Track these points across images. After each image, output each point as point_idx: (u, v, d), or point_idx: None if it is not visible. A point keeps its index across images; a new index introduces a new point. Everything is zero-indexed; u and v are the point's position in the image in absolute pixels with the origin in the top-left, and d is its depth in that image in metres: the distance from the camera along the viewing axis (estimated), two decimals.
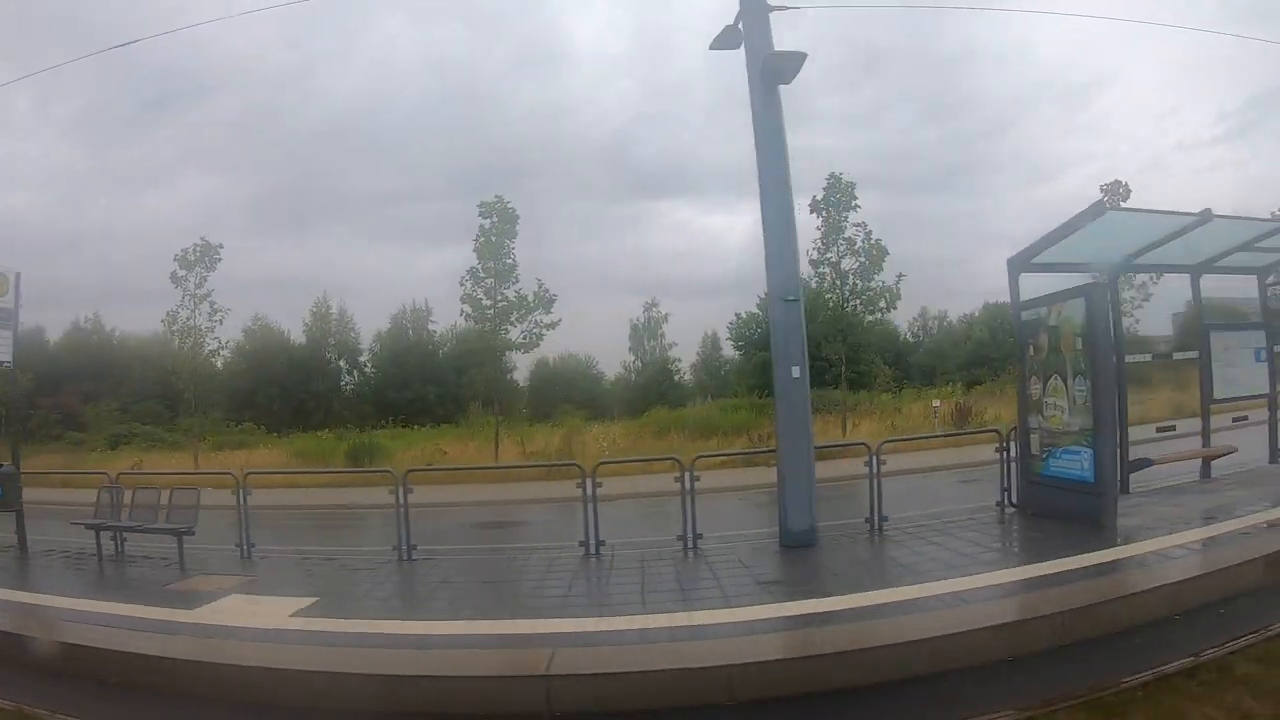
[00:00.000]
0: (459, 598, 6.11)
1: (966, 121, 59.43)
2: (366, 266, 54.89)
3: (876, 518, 7.49)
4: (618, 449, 19.80)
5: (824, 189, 21.50)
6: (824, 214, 21.48)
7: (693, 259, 60.88)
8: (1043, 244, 7.56)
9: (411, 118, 60.05)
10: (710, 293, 61.91)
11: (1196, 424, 8.84)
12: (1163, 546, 5.85)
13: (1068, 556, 5.76)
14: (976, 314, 41.52)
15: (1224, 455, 8.63)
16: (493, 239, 20.25)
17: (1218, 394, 8.71)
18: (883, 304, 22.06)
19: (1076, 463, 7.04)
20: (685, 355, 44.65)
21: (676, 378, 42.28)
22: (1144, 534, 6.25)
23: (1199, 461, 8.69)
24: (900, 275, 22.08)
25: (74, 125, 51.73)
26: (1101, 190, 23.04)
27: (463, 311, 20.84)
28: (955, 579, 5.49)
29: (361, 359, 44.39)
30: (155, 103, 51.59)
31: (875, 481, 7.51)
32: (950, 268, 58.84)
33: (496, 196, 20.58)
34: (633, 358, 44.10)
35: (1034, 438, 7.73)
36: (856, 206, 21.63)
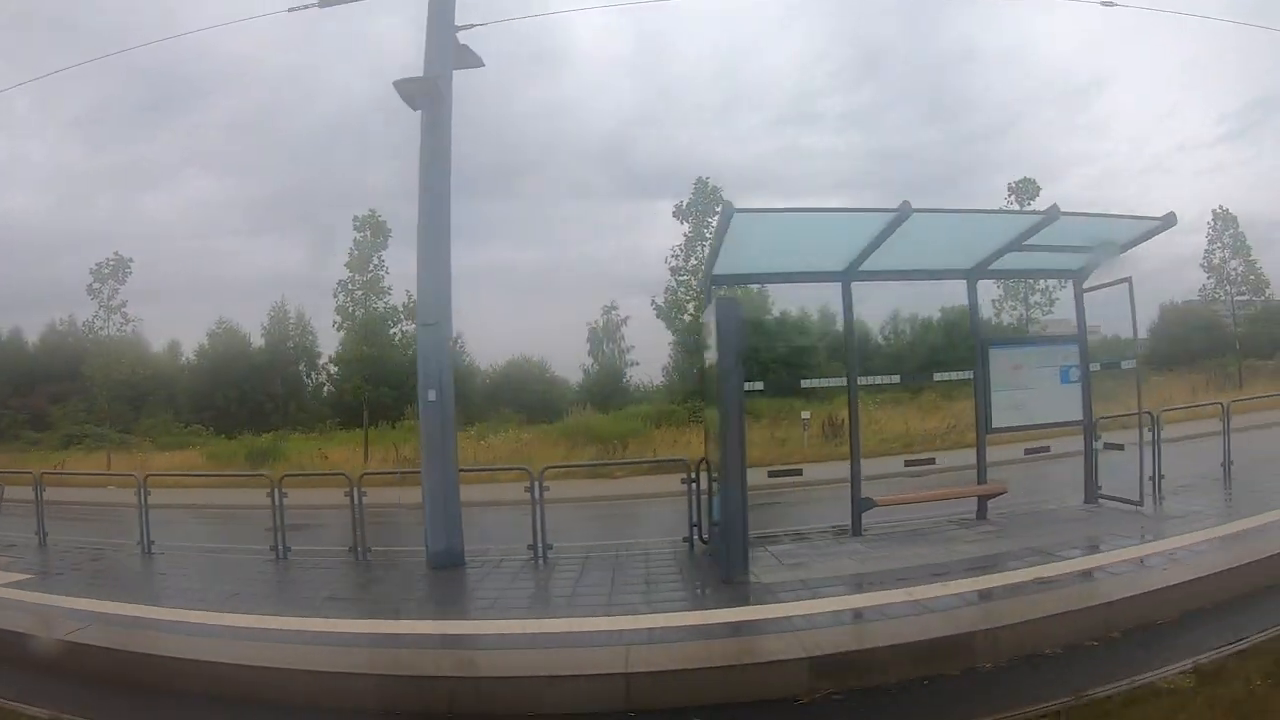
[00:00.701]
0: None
1: (967, 122, 58.11)
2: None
3: (541, 544, 6.76)
4: (498, 457, 18.93)
5: (691, 194, 20.68)
6: (689, 220, 20.61)
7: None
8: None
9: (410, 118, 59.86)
10: None
11: (1002, 452, 7.76)
12: (777, 615, 4.78)
13: (676, 611, 4.93)
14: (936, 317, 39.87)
15: (995, 495, 7.27)
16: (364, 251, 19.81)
17: (1004, 421, 7.35)
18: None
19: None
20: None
21: (625, 380, 41.21)
22: (772, 597, 5.08)
23: (975, 500, 7.50)
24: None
25: (74, 125, 52.09)
26: (1009, 190, 22.12)
27: (334, 321, 20.43)
28: (562, 618, 4.95)
29: (321, 361, 44.07)
30: (153, 105, 51.76)
31: (538, 508, 6.78)
32: None
33: (370, 211, 20.42)
34: (591, 360, 43.40)
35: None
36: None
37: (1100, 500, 7.49)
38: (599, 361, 43.30)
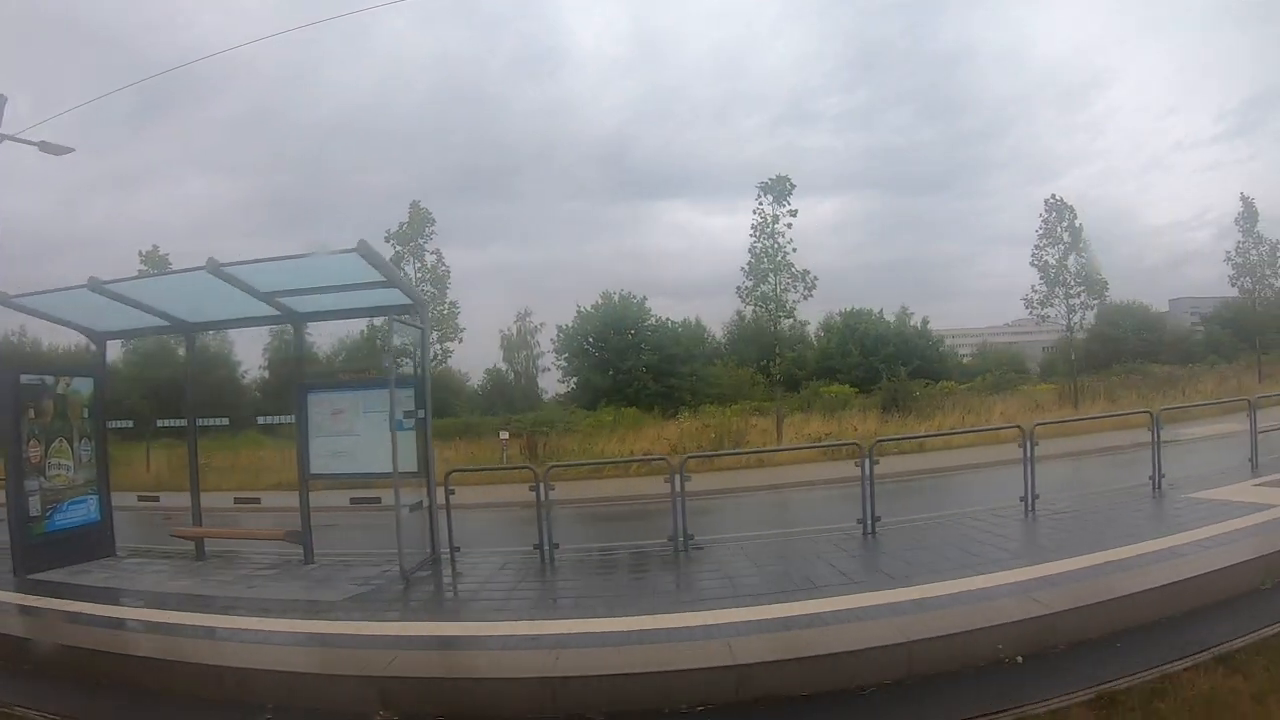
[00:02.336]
0: None
1: (968, 122, 57.23)
2: None
3: None
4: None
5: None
6: (400, 245, 20.84)
7: (691, 258, 60.24)
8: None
9: (410, 119, 61.05)
10: (708, 292, 61.29)
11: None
12: None
13: None
14: (836, 319, 38.98)
15: (282, 539, 7.28)
16: None
17: (323, 469, 7.20)
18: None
19: (83, 509, 7.58)
20: None
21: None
22: None
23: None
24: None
25: (75, 126, 54.15)
26: (760, 189, 21.19)
27: None
28: None
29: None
30: (154, 104, 53.54)
31: None
32: (949, 268, 56.40)
33: None
34: (505, 366, 43.72)
35: (35, 500, 7.17)
36: (432, 234, 21.64)
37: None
38: (512, 366, 43.76)
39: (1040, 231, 26.64)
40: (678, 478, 6.90)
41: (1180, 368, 35.11)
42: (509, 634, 4.72)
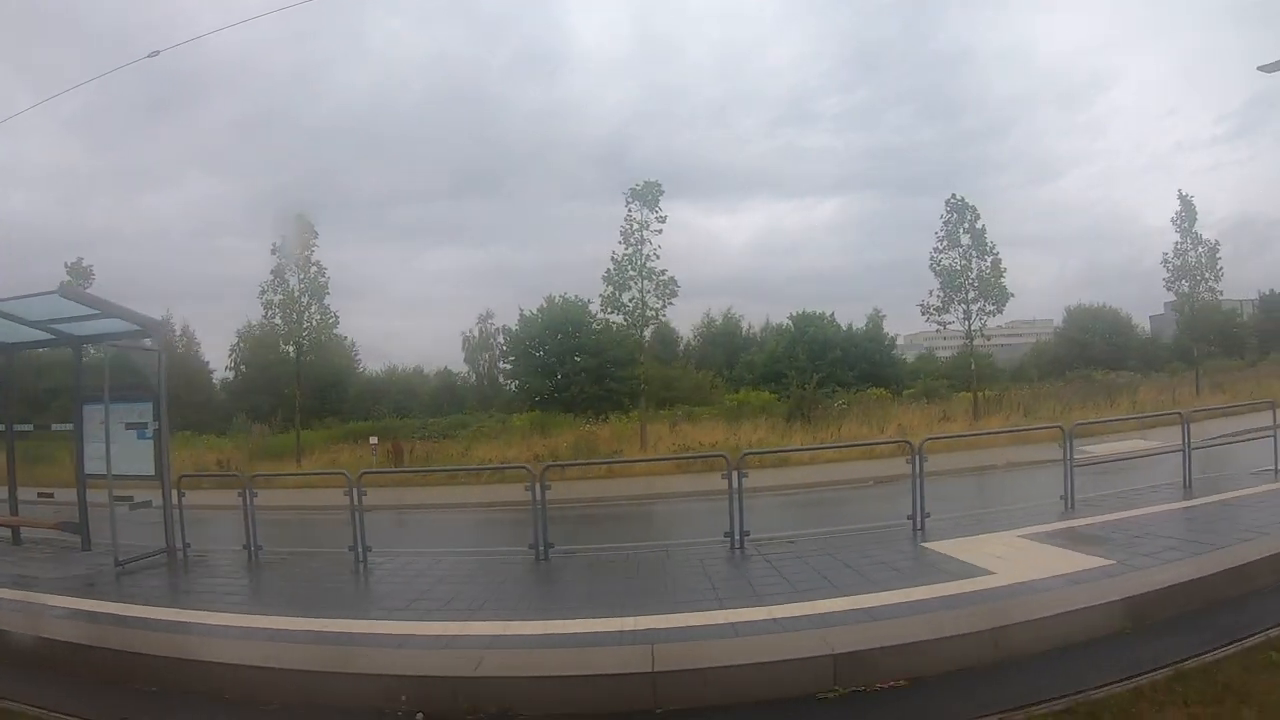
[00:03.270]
0: None
1: (968, 121, 57.58)
2: (367, 267, 57.97)
3: None
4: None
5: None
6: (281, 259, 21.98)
7: (691, 258, 61.09)
8: None
9: (411, 119, 62.62)
10: (708, 292, 62.16)
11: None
12: None
13: None
14: (785, 321, 39.57)
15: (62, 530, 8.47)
16: None
17: (95, 470, 8.12)
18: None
19: None
20: None
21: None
22: None
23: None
24: None
25: (75, 126, 56.34)
26: (628, 195, 21.69)
27: None
28: None
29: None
30: (157, 104, 55.48)
31: None
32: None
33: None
34: (466, 369, 44.96)
35: None
36: (315, 245, 22.39)
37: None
38: (473, 369, 45.01)
39: (940, 234, 25.07)
40: (538, 486, 7.24)
41: (1140, 375, 35.08)
42: (164, 619, 5.65)
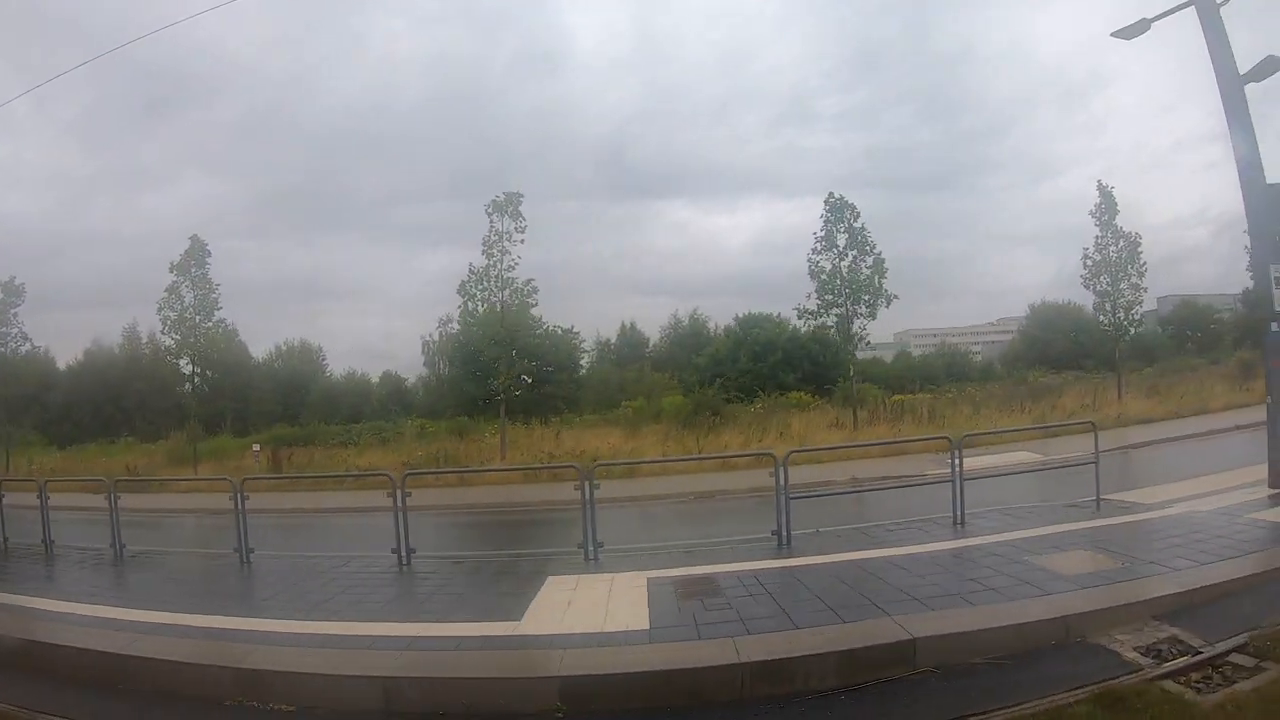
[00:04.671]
0: None
1: (968, 121, 57.24)
2: (366, 267, 58.08)
3: None
4: None
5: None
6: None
7: (691, 258, 60.87)
8: None
9: (411, 120, 62.89)
10: (709, 292, 62.04)
11: None
12: None
13: None
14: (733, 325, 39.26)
15: None
16: None
17: None
18: None
19: None
20: None
21: None
22: None
23: None
24: None
25: (74, 127, 56.97)
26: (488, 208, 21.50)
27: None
28: None
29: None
30: (155, 104, 55.86)
31: None
32: (949, 266, 55.93)
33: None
34: (426, 371, 45.15)
35: None
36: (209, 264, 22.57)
37: None
38: (434, 372, 45.17)
39: (819, 234, 23.24)
40: (399, 492, 7.44)
41: (1086, 375, 34.27)
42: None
